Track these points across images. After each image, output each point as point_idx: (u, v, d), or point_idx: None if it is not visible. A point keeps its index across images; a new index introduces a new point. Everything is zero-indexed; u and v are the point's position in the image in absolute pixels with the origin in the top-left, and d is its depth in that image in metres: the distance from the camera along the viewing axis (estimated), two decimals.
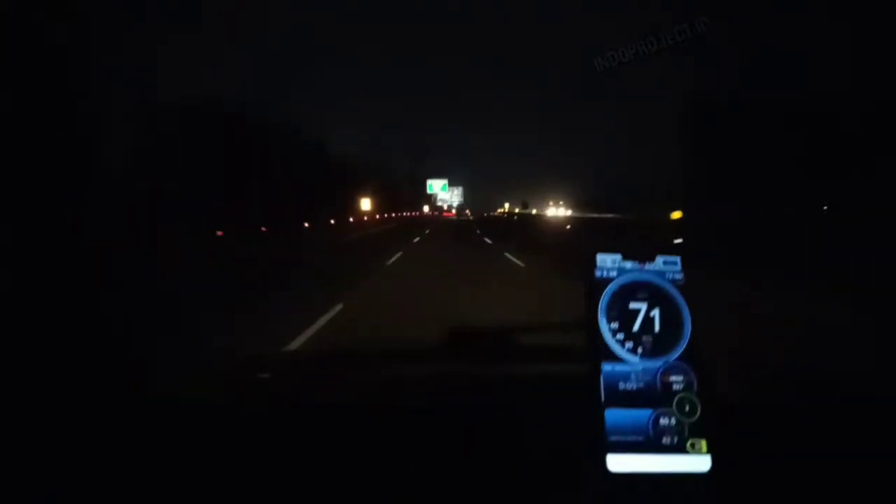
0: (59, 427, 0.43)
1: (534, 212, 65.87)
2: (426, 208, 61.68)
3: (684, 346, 0.42)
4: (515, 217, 42.63)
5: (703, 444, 0.40)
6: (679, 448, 0.40)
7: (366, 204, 25.03)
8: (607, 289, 0.43)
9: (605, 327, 0.43)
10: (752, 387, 0.62)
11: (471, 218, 49.55)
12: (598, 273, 0.44)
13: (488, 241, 11.42)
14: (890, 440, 0.47)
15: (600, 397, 0.41)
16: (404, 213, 40.60)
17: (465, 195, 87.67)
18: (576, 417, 0.42)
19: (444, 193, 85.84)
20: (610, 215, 25.40)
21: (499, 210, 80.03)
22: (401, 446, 0.47)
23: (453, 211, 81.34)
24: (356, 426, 0.48)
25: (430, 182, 61.48)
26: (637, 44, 3.74)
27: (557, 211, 57.41)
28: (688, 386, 0.41)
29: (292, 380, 0.65)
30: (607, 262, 0.44)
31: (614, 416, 0.41)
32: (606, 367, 0.42)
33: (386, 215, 31.40)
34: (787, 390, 0.61)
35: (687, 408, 0.41)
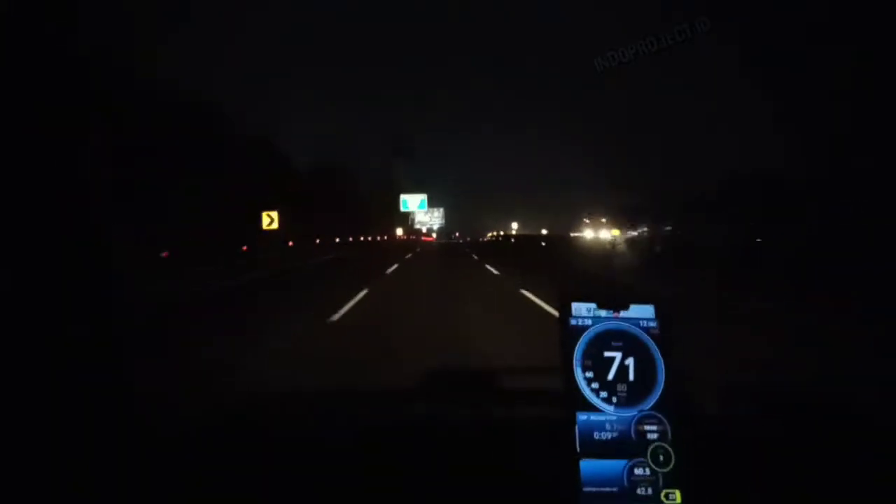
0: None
1: (544, 232, 61.47)
2: (399, 231, 56.74)
3: (658, 395, 0.48)
4: (512, 240, 43.79)
5: (678, 494, 0.45)
6: (654, 499, 0.45)
7: (270, 221, 14.29)
8: (582, 337, 0.50)
9: (580, 376, 0.48)
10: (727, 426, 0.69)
11: (460, 242, 50.50)
12: (572, 322, 0.50)
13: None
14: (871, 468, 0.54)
15: (575, 447, 0.46)
16: (369, 238, 38.66)
17: (447, 217, 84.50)
18: (550, 468, 0.47)
19: (422, 213, 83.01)
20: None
21: (489, 234, 78.62)
22: (375, 488, 0.52)
23: (433, 235, 78.92)
24: (314, 470, 0.54)
25: (404, 198, 55.45)
26: (637, 44, 3.91)
27: (606, 233, 34.63)
28: (662, 436, 0.47)
29: (257, 425, 0.70)
30: (582, 310, 0.50)
31: (589, 466, 0.46)
32: (581, 416, 0.47)
33: (338, 240, 27.99)
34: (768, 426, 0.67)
35: (661, 458, 0.47)
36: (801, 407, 0.73)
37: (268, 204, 14.89)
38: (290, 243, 19.04)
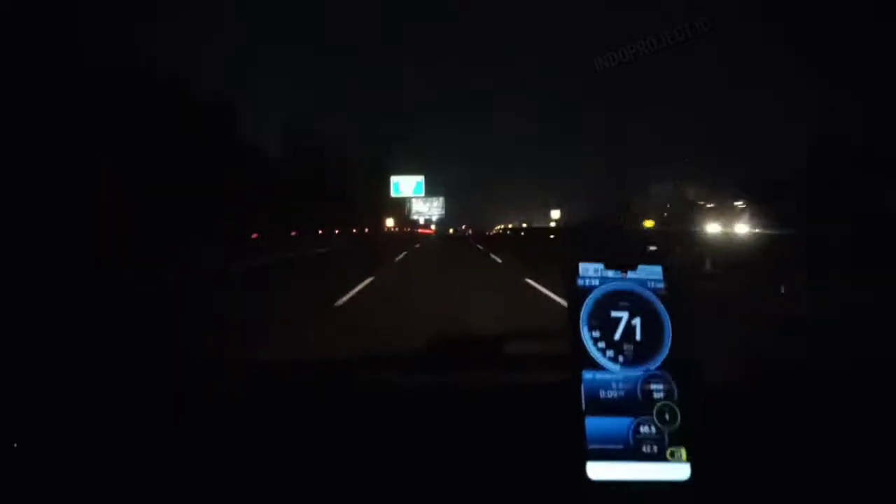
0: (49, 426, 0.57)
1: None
2: (389, 222, 50.94)
3: (665, 355, 0.53)
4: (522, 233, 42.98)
5: (683, 452, 0.51)
6: (659, 456, 0.50)
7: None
8: (589, 297, 0.54)
9: (586, 336, 0.53)
10: (735, 387, 0.78)
11: (468, 234, 48.30)
12: (580, 282, 0.55)
13: None
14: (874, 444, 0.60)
15: (581, 405, 0.51)
16: (353, 230, 35.30)
17: (447, 207, 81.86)
18: (556, 425, 0.52)
19: (421, 202, 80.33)
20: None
21: (497, 228, 76.77)
22: (380, 452, 0.59)
23: (432, 227, 76.58)
24: (328, 432, 0.61)
25: (395, 180, 47.32)
26: (637, 43, 4.23)
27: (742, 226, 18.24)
28: (668, 394, 0.52)
29: (253, 390, 0.79)
30: (589, 270, 0.55)
31: (595, 424, 0.51)
32: (587, 375, 0.52)
33: (293, 233, 23.31)
34: (770, 389, 0.76)
35: (667, 416, 0.51)
36: (812, 374, 0.81)
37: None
38: (255, 235, 18.70)
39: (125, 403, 0.64)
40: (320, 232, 26.22)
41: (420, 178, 49.80)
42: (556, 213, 65.95)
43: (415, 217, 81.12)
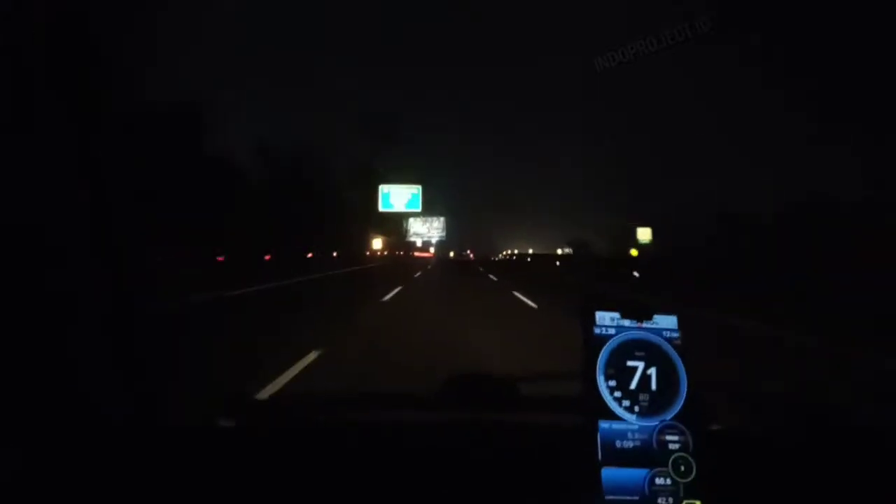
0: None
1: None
2: (377, 243, 43.25)
3: (681, 406, 0.57)
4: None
5: None
6: None
7: None
8: (605, 346, 0.58)
9: (602, 385, 0.57)
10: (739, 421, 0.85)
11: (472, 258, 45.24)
12: (596, 331, 0.58)
13: None
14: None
15: (597, 455, 0.54)
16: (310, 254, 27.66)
17: (449, 227, 79.58)
18: (572, 475, 0.55)
19: (419, 222, 78.23)
20: None
21: (502, 253, 75.03)
22: (386, 491, 0.62)
23: (431, 250, 74.44)
24: (340, 472, 0.65)
25: (385, 190, 40.42)
26: (637, 44, 4.51)
27: None
28: (683, 446, 0.55)
29: (260, 429, 0.81)
30: (606, 319, 0.59)
31: (611, 475, 0.54)
32: (604, 424, 0.55)
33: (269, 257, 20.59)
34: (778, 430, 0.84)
35: (682, 468, 0.55)
36: (823, 420, 0.84)
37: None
38: (221, 259, 17.37)
39: (132, 435, 0.68)
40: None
41: (416, 189, 40.86)
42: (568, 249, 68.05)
43: (412, 239, 78.69)
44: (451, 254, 78.95)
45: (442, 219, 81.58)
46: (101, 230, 0.71)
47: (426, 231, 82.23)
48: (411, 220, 79.84)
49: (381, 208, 38.73)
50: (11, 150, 0.63)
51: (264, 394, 2.95)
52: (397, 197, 40.23)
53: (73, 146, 0.69)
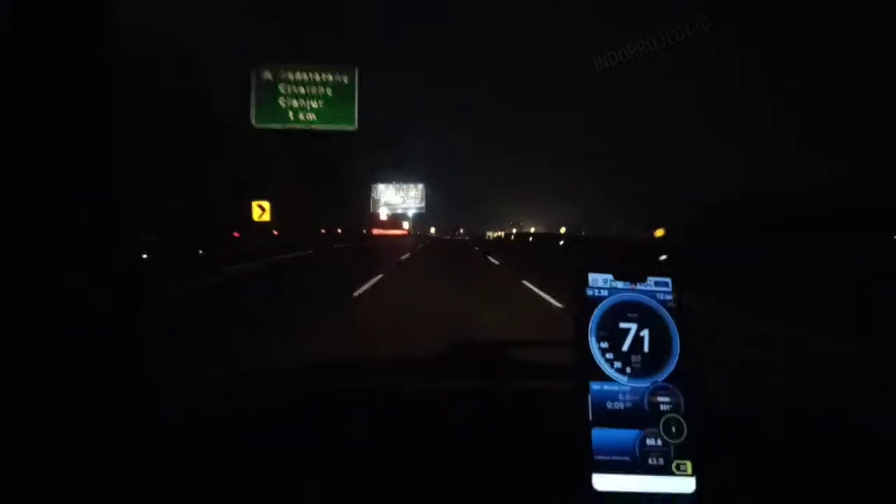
0: (59, 437, 0.61)
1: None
2: (260, 213, 19.52)
3: (673, 367, 0.58)
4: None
5: (689, 465, 0.55)
6: (665, 469, 0.55)
7: None
8: (598, 308, 0.59)
9: (594, 346, 0.58)
10: (740, 405, 0.87)
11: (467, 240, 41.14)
12: (589, 292, 0.59)
13: None
14: (876, 466, 0.68)
15: (588, 416, 0.56)
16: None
17: (429, 198, 65.54)
18: (563, 436, 0.58)
19: (392, 190, 63.71)
20: None
21: (497, 233, 62.72)
22: (387, 458, 0.66)
23: (406, 227, 60.57)
24: (340, 436, 0.70)
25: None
26: (637, 43, 4.75)
27: None
28: (675, 407, 0.57)
29: (282, 391, 0.92)
30: (599, 281, 0.60)
31: (601, 435, 0.55)
32: (595, 386, 0.57)
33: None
34: (775, 412, 0.85)
35: (673, 429, 0.56)
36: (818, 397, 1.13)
37: None
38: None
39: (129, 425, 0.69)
40: None
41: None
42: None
43: (384, 210, 64.16)
44: (433, 230, 65.43)
45: (421, 186, 66.81)
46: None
47: (400, 201, 67.08)
48: (381, 186, 65.20)
49: (257, 122, 12.80)
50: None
51: None
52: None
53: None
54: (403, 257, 15.75)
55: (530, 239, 42.48)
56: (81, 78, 0.63)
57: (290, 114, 12.34)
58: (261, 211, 18.74)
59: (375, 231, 46.08)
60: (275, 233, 18.25)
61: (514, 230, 63.99)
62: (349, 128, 12.43)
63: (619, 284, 0.59)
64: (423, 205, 68.91)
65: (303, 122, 12.45)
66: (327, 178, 34.23)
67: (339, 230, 33.24)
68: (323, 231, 28.89)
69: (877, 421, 0.81)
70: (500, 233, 62.84)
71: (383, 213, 62.29)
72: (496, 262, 15.17)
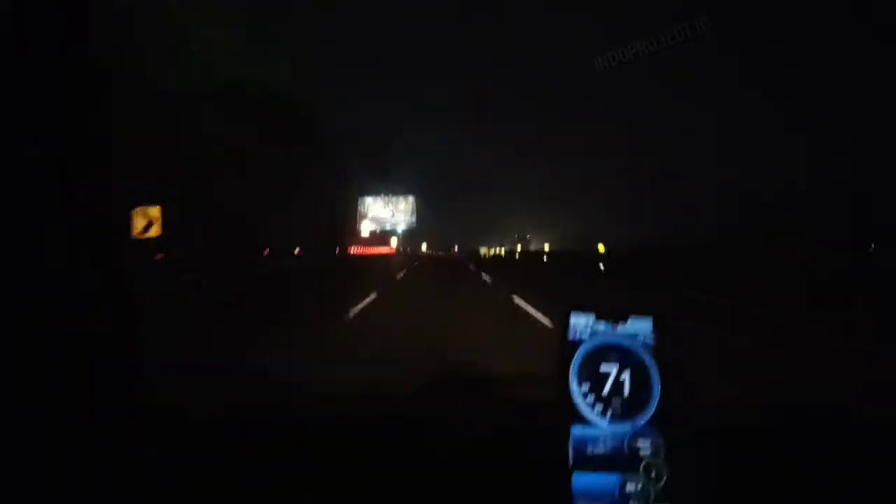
0: (56, 431, 0.63)
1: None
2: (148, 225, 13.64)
3: (653, 411, 0.58)
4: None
5: None
6: None
7: None
8: (579, 350, 0.59)
9: (575, 390, 0.58)
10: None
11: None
12: (571, 334, 0.60)
13: None
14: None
15: (569, 461, 0.56)
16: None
17: (420, 211, 58.96)
18: (541, 479, 0.58)
19: (380, 204, 57.45)
20: None
21: (495, 249, 56.67)
22: (361, 484, 0.67)
23: (393, 245, 53.87)
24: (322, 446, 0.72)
25: None
26: (637, 44, 4.89)
27: None
28: (655, 451, 0.57)
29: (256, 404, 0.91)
30: (581, 323, 0.60)
31: (582, 480, 0.56)
32: (576, 430, 0.57)
33: None
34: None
35: (654, 473, 0.56)
36: (801, 420, 0.86)
37: None
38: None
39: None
40: None
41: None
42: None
43: (372, 225, 57.44)
44: (424, 247, 59.38)
45: (411, 198, 60.24)
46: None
47: (389, 216, 60.37)
48: (368, 199, 58.67)
49: None
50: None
51: None
52: None
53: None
54: (352, 312, 6.28)
55: (544, 259, 32.60)
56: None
57: None
58: (145, 222, 11.91)
59: (354, 250, 38.19)
60: (159, 255, 11.57)
61: (520, 246, 57.31)
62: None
63: (601, 326, 0.60)
64: (413, 219, 62.34)
65: None
66: (291, 184, 27.66)
67: (297, 251, 24.07)
68: (266, 252, 20.28)
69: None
70: (499, 249, 56.48)
71: (365, 230, 55.14)
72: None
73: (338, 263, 25.02)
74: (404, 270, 18.17)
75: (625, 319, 0.59)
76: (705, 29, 4.29)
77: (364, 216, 59.02)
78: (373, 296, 7.90)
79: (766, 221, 25.56)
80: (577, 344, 0.58)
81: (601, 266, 18.23)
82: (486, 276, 14.53)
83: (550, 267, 24.71)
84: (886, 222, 17.40)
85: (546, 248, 43.59)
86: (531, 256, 40.58)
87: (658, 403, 0.57)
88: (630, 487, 0.55)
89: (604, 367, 0.58)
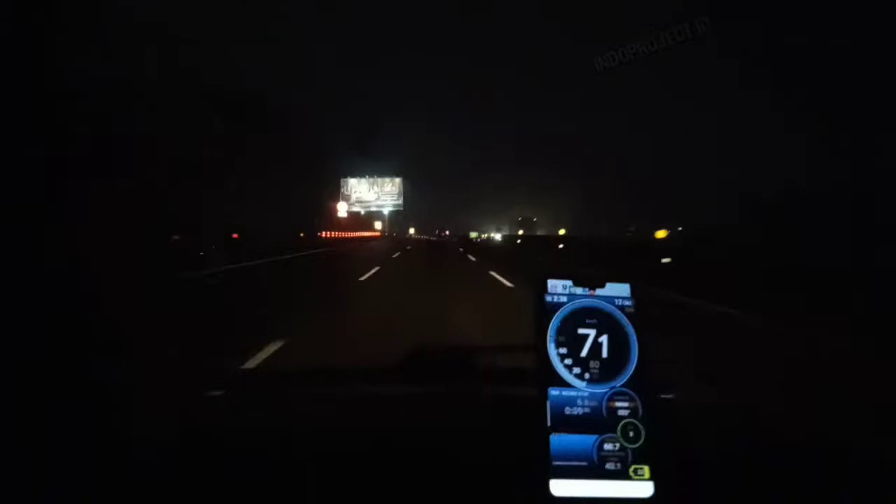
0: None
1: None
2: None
3: (631, 373, 0.59)
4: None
5: (647, 470, 0.55)
6: (622, 474, 0.55)
7: None
8: (557, 314, 0.59)
9: (553, 352, 0.58)
10: (700, 413, 0.87)
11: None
12: (548, 298, 0.60)
13: None
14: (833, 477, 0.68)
15: (546, 422, 0.57)
16: None
17: (407, 194, 54.30)
18: (521, 441, 0.59)
19: (365, 185, 52.84)
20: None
21: (491, 233, 52.78)
22: (349, 467, 0.67)
23: (377, 226, 49.52)
24: (303, 449, 0.70)
25: None
26: (637, 44, 4.59)
27: None
28: (633, 412, 0.57)
29: (247, 399, 0.91)
30: (558, 287, 0.60)
31: (559, 441, 0.56)
32: (553, 391, 0.57)
33: None
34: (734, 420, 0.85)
35: (631, 434, 0.56)
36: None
37: None
38: None
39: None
40: None
41: None
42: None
43: (355, 208, 52.67)
44: (412, 231, 55.19)
45: (398, 180, 55.46)
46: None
47: (374, 197, 55.49)
48: (352, 181, 53.68)
49: None
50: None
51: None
52: None
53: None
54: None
55: (560, 246, 24.87)
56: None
57: None
58: None
59: (326, 234, 32.24)
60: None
61: (522, 230, 53.43)
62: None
63: (578, 290, 0.60)
64: (400, 201, 57.76)
65: None
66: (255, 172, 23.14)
67: (235, 235, 17.26)
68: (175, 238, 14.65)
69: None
70: (494, 234, 52.97)
71: (342, 210, 49.95)
72: None
73: (301, 249, 18.56)
74: (397, 253, 16.88)
75: (602, 284, 0.60)
76: (705, 29, 4.03)
77: (347, 198, 54.06)
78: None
79: (766, 221, 25.74)
80: (554, 307, 0.59)
81: (664, 261, 13.24)
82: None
83: (561, 250, 21.35)
84: (887, 222, 17.48)
85: (562, 232, 39.31)
86: (535, 242, 34.74)
87: (636, 366, 0.58)
88: (607, 447, 0.56)
89: (581, 331, 0.59)
